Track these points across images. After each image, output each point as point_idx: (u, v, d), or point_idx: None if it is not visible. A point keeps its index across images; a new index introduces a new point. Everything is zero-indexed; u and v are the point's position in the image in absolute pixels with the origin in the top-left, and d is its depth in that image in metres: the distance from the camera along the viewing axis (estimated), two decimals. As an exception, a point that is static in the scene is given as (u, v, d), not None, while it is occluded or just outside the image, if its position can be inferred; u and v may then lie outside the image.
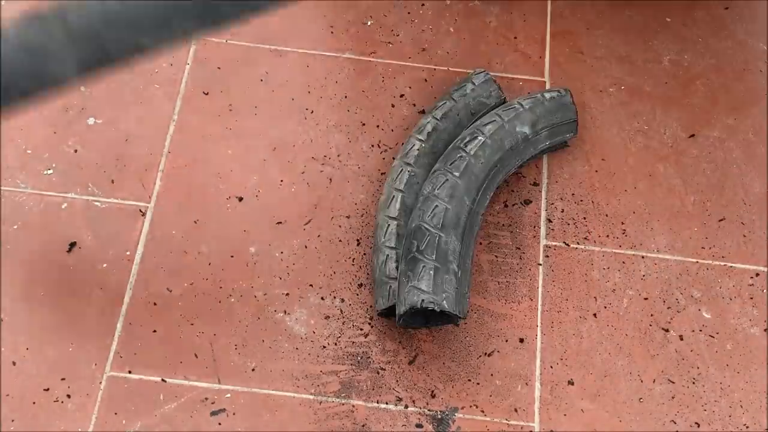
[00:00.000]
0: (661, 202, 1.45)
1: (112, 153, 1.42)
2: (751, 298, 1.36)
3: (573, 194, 1.43)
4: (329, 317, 1.30)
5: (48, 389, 1.21)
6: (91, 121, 1.46)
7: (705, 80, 1.60)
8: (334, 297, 1.32)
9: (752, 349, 1.31)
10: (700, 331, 1.33)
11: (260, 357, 1.26)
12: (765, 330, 1.33)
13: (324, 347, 1.28)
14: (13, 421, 1.18)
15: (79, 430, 1.19)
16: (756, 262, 1.40)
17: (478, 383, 1.26)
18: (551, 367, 1.28)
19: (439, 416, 1.23)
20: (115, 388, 1.22)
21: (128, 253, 1.33)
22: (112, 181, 1.40)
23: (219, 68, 1.53)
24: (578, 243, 1.40)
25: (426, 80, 1.56)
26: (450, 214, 1.27)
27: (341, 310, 1.31)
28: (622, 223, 1.43)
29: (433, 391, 1.25)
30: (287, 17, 1.60)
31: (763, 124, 1.54)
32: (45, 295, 1.28)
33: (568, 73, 1.57)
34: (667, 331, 1.32)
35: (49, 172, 1.39)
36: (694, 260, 1.40)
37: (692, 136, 1.53)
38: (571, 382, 1.27)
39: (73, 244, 1.33)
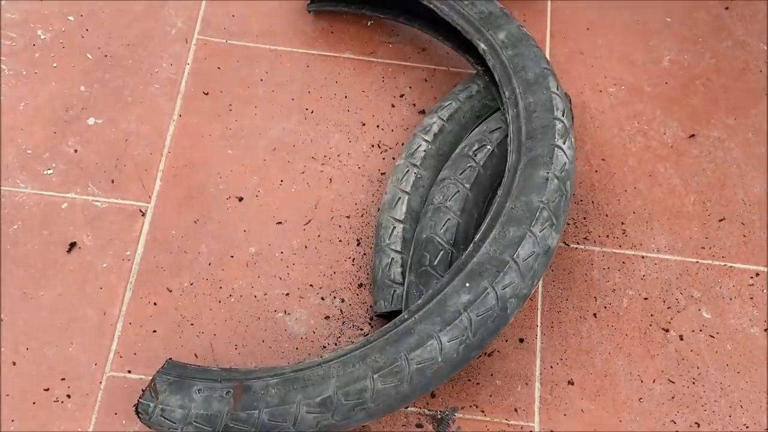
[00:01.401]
0: (661, 202, 1.45)
1: (112, 153, 1.42)
2: (751, 298, 1.36)
3: (573, 194, 1.43)
4: (329, 317, 1.30)
5: (48, 389, 1.21)
6: (91, 121, 1.45)
7: (705, 80, 1.60)
8: (334, 297, 1.32)
9: (752, 349, 1.31)
10: (700, 331, 1.33)
11: (260, 357, 1.26)
12: (765, 330, 1.33)
13: (324, 347, 1.28)
14: (13, 421, 1.18)
15: (79, 430, 1.19)
16: (756, 262, 1.40)
17: (478, 383, 1.26)
18: (551, 367, 1.28)
19: (439, 416, 1.23)
20: (115, 388, 1.22)
21: (128, 253, 1.33)
22: (112, 181, 1.39)
23: (219, 68, 1.53)
24: (578, 243, 1.40)
25: (426, 80, 1.55)
26: (461, 229, 1.28)
27: (341, 310, 1.31)
28: (622, 223, 1.42)
29: (433, 391, 1.24)
30: (287, 17, 1.60)
31: (763, 124, 1.54)
32: (45, 295, 1.28)
33: (568, 73, 1.57)
34: (667, 331, 1.32)
35: (49, 172, 1.39)
36: (694, 260, 1.40)
37: (692, 136, 1.53)
38: (571, 382, 1.27)
39: (73, 244, 1.33)
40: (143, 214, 1.37)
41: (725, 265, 1.39)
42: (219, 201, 1.39)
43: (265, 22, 1.59)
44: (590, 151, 1.49)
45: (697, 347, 1.31)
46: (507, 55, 1.32)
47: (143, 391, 1.08)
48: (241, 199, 1.39)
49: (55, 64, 1.51)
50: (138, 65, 1.52)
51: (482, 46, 1.34)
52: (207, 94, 1.50)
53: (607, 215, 1.43)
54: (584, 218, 1.42)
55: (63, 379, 1.22)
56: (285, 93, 1.51)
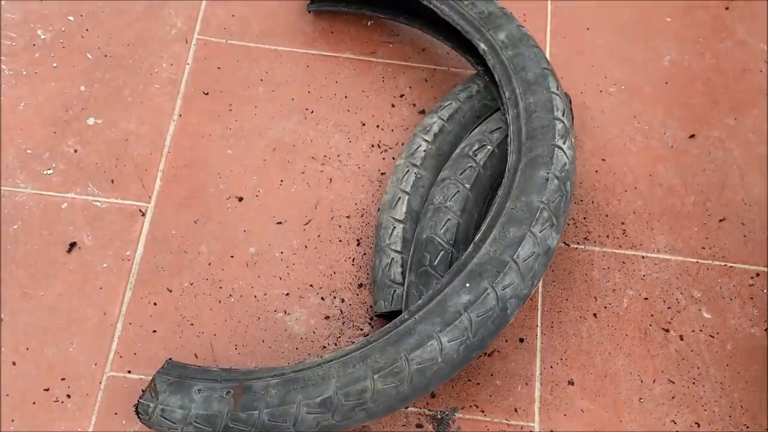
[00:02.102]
0: (661, 203, 1.45)
1: (112, 153, 1.43)
2: (752, 298, 1.36)
3: (573, 195, 1.43)
4: (329, 317, 1.31)
5: (48, 389, 1.22)
6: (91, 120, 1.46)
7: (705, 80, 1.60)
8: (334, 297, 1.32)
9: (752, 350, 1.32)
10: (701, 331, 1.33)
11: (261, 357, 1.26)
12: (765, 330, 1.33)
13: (324, 347, 1.28)
14: (13, 420, 1.19)
15: (79, 430, 1.20)
16: (756, 262, 1.40)
17: (478, 383, 1.26)
18: (551, 367, 1.28)
19: (439, 416, 1.23)
20: (115, 388, 1.23)
21: (128, 253, 1.34)
22: (112, 181, 1.40)
23: (219, 68, 1.53)
24: (578, 243, 1.40)
25: (426, 80, 1.56)
26: (462, 229, 1.28)
27: (341, 310, 1.31)
28: (623, 224, 1.43)
29: (433, 391, 1.24)
30: (287, 18, 1.60)
31: (763, 125, 1.54)
32: (45, 295, 1.28)
33: (569, 74, 1.58)
34: (667, 331, 1.32)
35: (49, 172, 1.40)
36: (694, 260, 1.40)
37: (692, 136, 1.53)
38: (571, 382, 1.27)
39: (73, 245, 1.34)
40: (143, 214, 1.37)
41: (725, 265, 1.39)
42: (219, 201, 1.39)
43: (265, 22, 1.59)
44: (590, 151, 1.50)
45: (698, 347, 1.31)
46: (507, 55, 1.32)
47: (143, 391, 1.08)
48: (241, 199, 1.40)
49: (55, 64, 1.51)
50: (138, 65, 1.52)
51: (482, 46, 1.34)
52: (207, 94, 1.50)
53: (607, 215, 1.43)
54: (584, 218, 1.43)
55: (63, 379, 1.23)
56: (285, 93, 1.52)
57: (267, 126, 1.48)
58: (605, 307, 1.34)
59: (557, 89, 1.29)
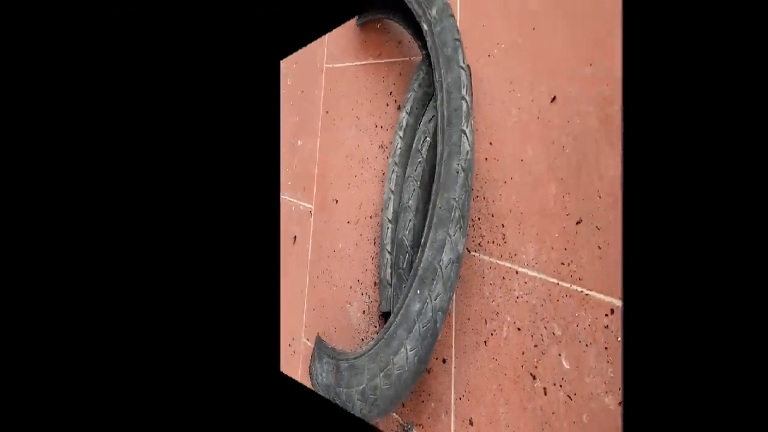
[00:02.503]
0: (530, 197, 1.04)
1: (303, 167, 1.86)
2: (606, 348, 0.91)
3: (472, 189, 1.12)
4: (364, 311, 1.48)
5: (290, 344, 1.82)
6: (299, 143, 1.91)
7: (569, 10, 0.94)
8: (365, 293, 1.48)
9: (607, 429, 0.85)
10: (560, 387, 0.98)
11: (342, 341, 1.56)
12: (620, 404, 0.83)
13: (363, 339, 1.47)
14: (293, 353, 1.85)
15: (294, 378, 1.75)
16: (611, 291, 0.91)
17: (422, 401, 1.27)
18: (460, 398, 1.18)
19: (405, 428, 1.29)
20: (306, 352, 1.72)
21: (306, 246, 1.78)
22: (304, 189, 1.84)
23: (330, 89, 1.74)
24: (475, 250, 1.15)
25: (400, 74, 1.45)
26: (417, 230, 1.29)
27: (369, 306, 1.47)
28: (503, 225, 1.10)
29: (403, 401, 1.29)
30: (349, 35, 1.68)
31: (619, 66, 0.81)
32: (287, 278, 1.85)
33: (469, 38, 1.20)
34: (534, 378, 1.02)
35: (290, 183, 1.93)
36: (555, 281, 0.99)
37: (554, 99, 0.96)
38: (471, 422, 1.15)
39: (294, 238, 1.86)
40: (311, 215, 1.78)
41: (582, 291, 0.95)
42: (329, 204, 1.68)
43: (342, 44, 1.71)
44: (481, 133, 1.16)
45: (558, 410, 0.98)
46: (436, 31, 1.17)
47: (311, 357, 1.46)
48: (336, 202, 1.64)
49: (292, 102, 2.00)
50: (308, 96, 1.88)
51: (425, 27, 1.23)
52: (327, 113, 1.74)
53: (492, 215, 1.12)
54: (478, 219, 1.15)
55: (293, 339, 1.80)
56: (348, 105, 1.64)
57: (344, 136, 1.65)
58: (492, 334, 1.11)
59: (463, 62, 1.10)
